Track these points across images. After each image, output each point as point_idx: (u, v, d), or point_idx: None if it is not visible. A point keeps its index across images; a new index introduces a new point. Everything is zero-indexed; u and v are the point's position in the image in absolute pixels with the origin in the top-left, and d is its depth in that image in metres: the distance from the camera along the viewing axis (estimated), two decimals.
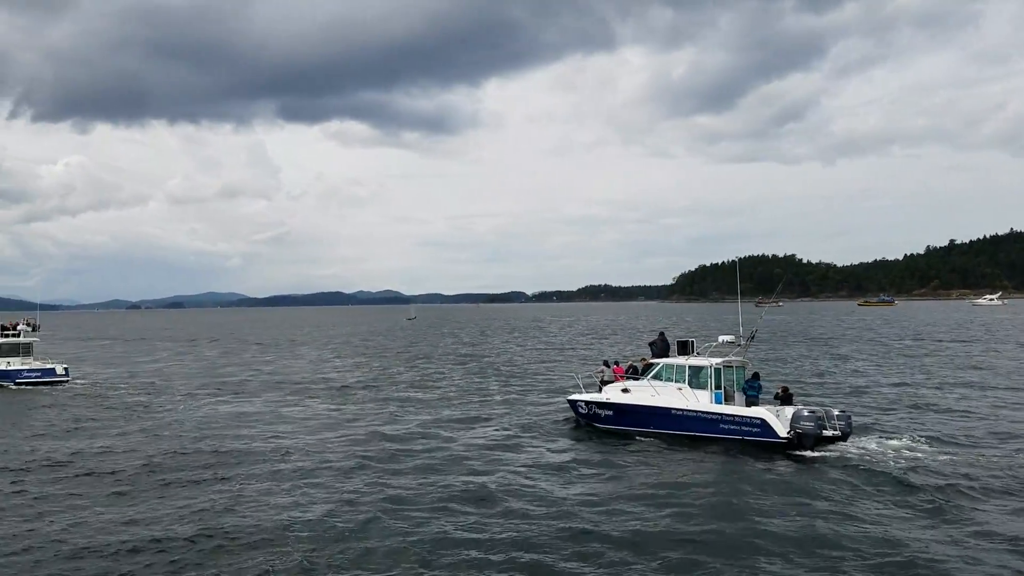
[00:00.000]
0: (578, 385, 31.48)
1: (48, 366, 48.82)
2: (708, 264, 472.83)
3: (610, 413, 28.75)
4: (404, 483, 21.44)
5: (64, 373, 48.59)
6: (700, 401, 26.64)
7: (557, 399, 37.17)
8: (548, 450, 25.80)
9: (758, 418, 25.24)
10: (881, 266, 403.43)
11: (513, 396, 39.05)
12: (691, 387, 26.98)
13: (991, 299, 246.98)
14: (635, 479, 21.83)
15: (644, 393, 27.92)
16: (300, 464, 23.94)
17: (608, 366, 31.16)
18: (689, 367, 27.25)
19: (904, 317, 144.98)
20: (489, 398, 38.45)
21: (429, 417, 32.50)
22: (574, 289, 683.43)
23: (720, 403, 26.55)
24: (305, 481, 21.79)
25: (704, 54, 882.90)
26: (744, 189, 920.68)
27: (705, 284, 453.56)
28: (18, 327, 49.76)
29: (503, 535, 16.98)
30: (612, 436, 27.63)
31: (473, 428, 29.88)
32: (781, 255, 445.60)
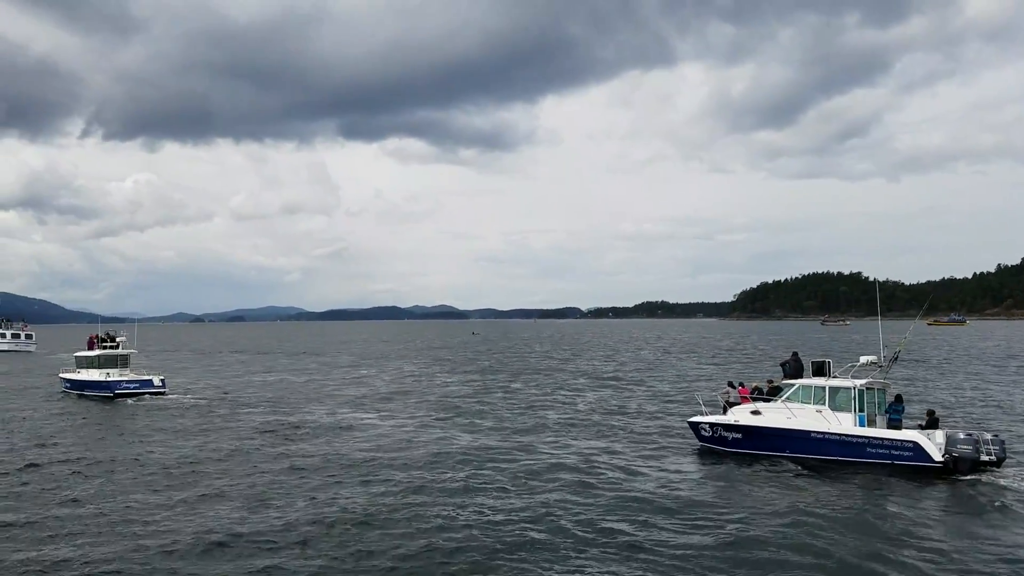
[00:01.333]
0: (699, 406, 30.26)
1: (145, 377, 49.42)
2: (770, 281, 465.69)
3: (739, 436, 27.49)
4: (531, 508, 20.61)
5: (161, 384, 49.08)
6: (842, 424, 25.28)
7: (664, 418, 36.05)
8: (673, 476, 24.48)
9: (910, 441, 23.82)
10: (950, 284, 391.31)
11: (627, 417, 37.78)
12: (831, 409, 25.65)
13: None
14: (776, 505, 20.68)
15: (779, 415, 26.61)
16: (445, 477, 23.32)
17: (733, 387, 29.95)
18: (829, 388, 25.89)
19: (987, 336, 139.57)
20: (605, 418, 37.12)
21: (552, 438, 31.64)
22: (630, 305, 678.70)
23: (863, 426, 25.19)
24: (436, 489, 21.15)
25: (764, 69, 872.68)
26: (805, 206, 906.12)
27: (768, 301, 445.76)
28: (117, 339, 50.55)
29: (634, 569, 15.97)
30: (741, 460, 26.39)
31: (592, 448, 28.91)
32: (847, 273, 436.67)
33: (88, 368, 49.85)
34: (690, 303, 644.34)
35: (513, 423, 35.57)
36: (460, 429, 33.94)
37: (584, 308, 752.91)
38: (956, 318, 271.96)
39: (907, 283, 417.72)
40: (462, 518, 19.51)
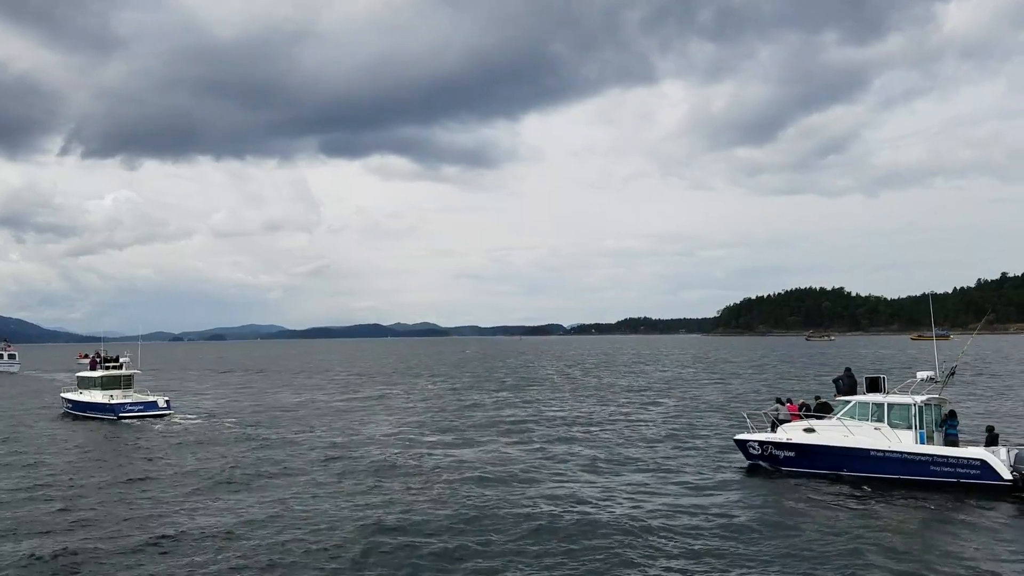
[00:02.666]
0: (746, 424, 29.41)
1: (150, 399, 47.90)
2: (754, 297, 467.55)
3: (791, 454, 26.63)
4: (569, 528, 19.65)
5: (166, 406, 47.59)
6: (902, 442, 24.47)
7: (710, 436, 35.19)
8: (726, 496, 23.67)
9: (978, 459, 23.05)
10: (931, 299, 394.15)
11: (666, 435, 36.86)
12: (890, 426, 24.85)
13: None
14: (840, 526, 19.97)
15: (834, 433, 25.78)
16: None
17: (781, 403, 29.09)
18: (888, 404, 25.11)
19: (979, 349, 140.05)
20: (643, 437, 36.22)
21: (586, 460, 30.65)
22: (613, 322, 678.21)
23: (923, 443, 24.41)
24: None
25: (744, 87, 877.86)
26: (785, 221, 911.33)
27: (751, 317, 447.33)
28: (120, 359, 49.06)
29: None
30: (796, 479, 25.56)
31: (634, 470, 27.98)
32: (829, 288, 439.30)
33: (90, 389, 48.30)
34: (672, 319, 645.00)
35: (550, 442, 34.59)
36: (512, 445, 32.92)
37: (567, 325, 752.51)
38: (941, 333, 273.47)
39: (889, 298, 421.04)
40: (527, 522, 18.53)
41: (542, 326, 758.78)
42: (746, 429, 29.09)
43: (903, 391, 25.58)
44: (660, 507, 22.13)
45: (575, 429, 39.05)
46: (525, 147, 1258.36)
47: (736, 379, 77.00)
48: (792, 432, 26.90)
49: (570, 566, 17.14)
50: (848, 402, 26.23)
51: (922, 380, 25.45)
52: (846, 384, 27.59)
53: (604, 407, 50.17)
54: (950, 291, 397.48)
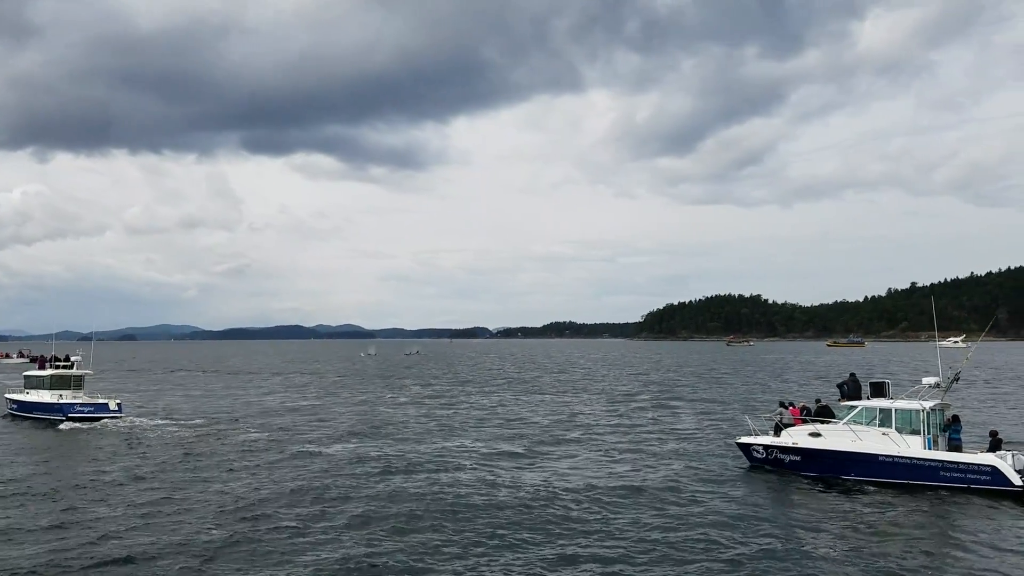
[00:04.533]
0: (747, 426, 29.61)
1: (101, 401, 45.47)
2: (676, 303, 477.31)
3: (796, 458, 26.91)
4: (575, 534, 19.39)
5: (117, 409, 45.23)
6: (911, 447, 24.94)
7: (702, 439, 35.30)
8: (733, 499, 23.64)
9: (988, 465, 23.62)
10: (845, 307, 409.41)
11: (661, 437, 36.87)
12: (898, 431, 25.29)
13: (955, 341, 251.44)
14: (853, 530, 20.22)
15: (842, 438, 26.09)
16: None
17: (785, 407, 29.38)
18: (896, 410, 25.57)
19: (908, 356, 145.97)
20: (639, 441, 36.00)
21: (590, 466, 30.33)
22: (539, 326, 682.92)
23: (930, 449, 24.94)
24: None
25: (668, 98, 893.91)
26: (706, 230, 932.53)
27: (674, 322, 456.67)
28: (72, 358, 46.50)
29: None
30: (802, 482, 25.81)
31: (637, 473, 27.81)
32: (747, 295, 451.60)
33: (38, 389, 45.63)
34: (597, 323, 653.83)
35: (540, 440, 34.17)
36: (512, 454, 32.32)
37: (493, 328, 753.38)
38: (855, 340, 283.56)
39: (804, 305, 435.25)
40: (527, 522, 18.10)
41: (468, 329, 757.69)
42: (747, 432, 29.32)
43: (910, 397, 26.10)
44: (666, 512, 21.96)
45: (572, 433, 38.80)
46: (454, 150, 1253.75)
47: (704, 383, 78.02)
48: (798, 436, 27.16)
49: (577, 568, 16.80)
50: (855, 407, 26.61)
51: (928, 386, 26.01)
52: (851, 389, 28.05)
53: (590, 408, 50.07)
54: (862, 300, 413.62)
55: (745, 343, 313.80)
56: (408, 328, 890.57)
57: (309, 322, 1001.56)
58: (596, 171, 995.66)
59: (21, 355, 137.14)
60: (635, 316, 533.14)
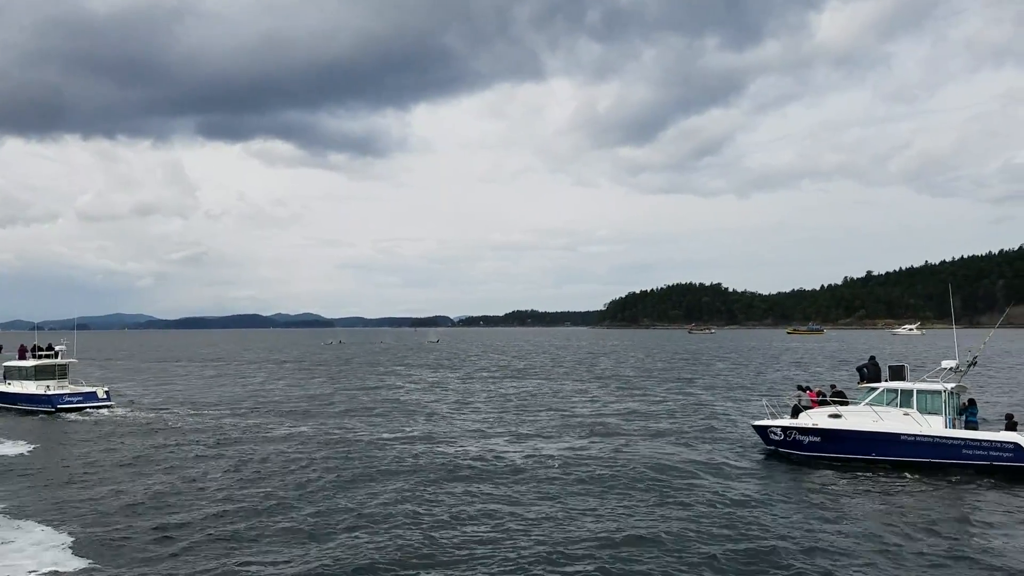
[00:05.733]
0: (763, 410, 29.88)
1: (89, 389, 44.44)
2: (638, 291, 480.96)
3: (816, 439, 27.18)
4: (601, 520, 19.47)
5: (106, 397, 44.30)
6: (932, 427, 25.38)
7: (708, 422, 35.54)
8: (753, 481, 23.87)
9: (1011, 443, 24.11)
10: (803, 296, 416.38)
11: (677, 421, 37.02)
12: (919, 412, 25.71)
13: (910, 328, 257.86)
14: (878, 510, 20.51)
15: (863, 418, 26.45)
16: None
17: (803, 390, 29.69)
18: (918, 391, 25.98)
19: (884, 344, 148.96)
20: (655, 422, 36.23)
21: (608, 444, 30.35)
22: (500, 314, 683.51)
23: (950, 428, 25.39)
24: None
25: (628, 88, 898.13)
26: (665, 220, 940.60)
27: (636, 311, 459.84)
28: (56, 347, 45.28)
29: None
30: (820, 464, 26.12)
31: (657, 451, 27.91)
32: (708, 284, 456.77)
33: (21, 380, 44.34)
34: (557, 312, 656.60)
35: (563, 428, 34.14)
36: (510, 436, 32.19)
37: (454, 317, 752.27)
38: (814, 327, 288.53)
39: (763, 293, 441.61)
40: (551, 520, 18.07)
41: (429, 318, 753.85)
42: (763, 416, 29.59)
43: (930, 379, 26.55)
44: (687, 496, 21.93)
45: (580, 420, 38.81)
46: (415, 138, 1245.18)
47: (705, 368, 78.64)
48: (818, 417, 27.44)
49: (597, 557, 16.58)
50: (875, 388, 26.97)
51: (947, 369, 26.46)
52: (871, 372, 28.43)
53: (598, 395, 50.13)
54: (819, 288, 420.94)
55: (707, 331, 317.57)
56: (369, 317, 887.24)
57: (267, 311, 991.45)
58: (557, 160, 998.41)
59: None
60: (595, 305, 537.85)
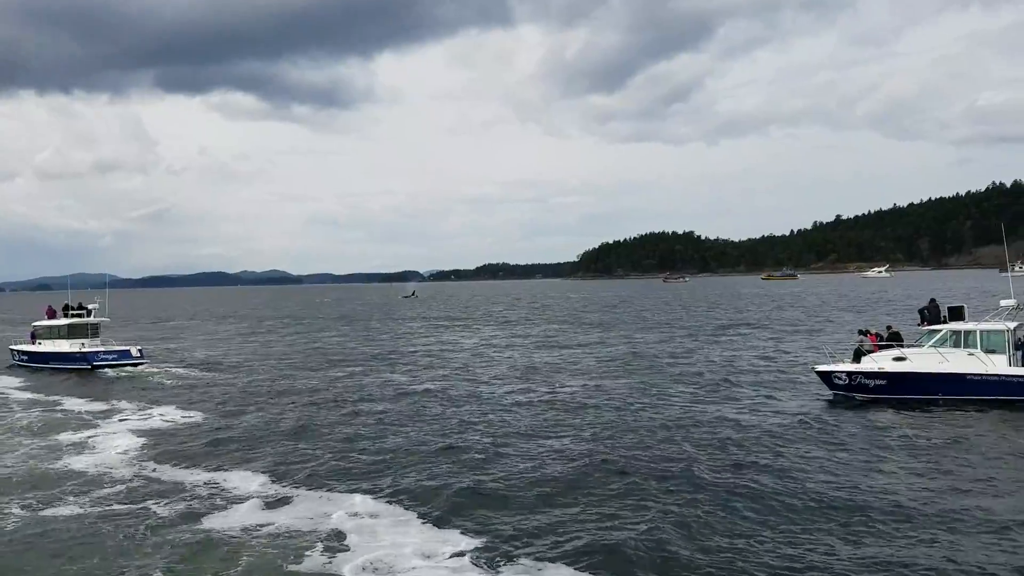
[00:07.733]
0: (824, 355, 30.76)
1: (123, 348, 44.38)
2: (611, 241, 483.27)
3: (882, 383, 28.01)
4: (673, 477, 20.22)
5: (139, 355, 44.27)
6: (997, 366, 26.36)
7: (763, 368, 36.35)
8: (828, 427, 24.11)
9: None
10: (774, 241, 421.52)
11: (731, 370, 37.39)
12: (984, 351, 26.63)
13: (879, 271, 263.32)
14: (954, 449, 20.86)
15: (928, 360, 27.31)
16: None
17: (864, 334, 30.56)
18: (981, 331, 26.90)
19: (855, 287, 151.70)
20: (719, 371, 36.54)
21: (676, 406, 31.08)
22: (471, 268, 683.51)
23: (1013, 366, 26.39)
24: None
25: (597, 34, 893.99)
26: (636, 168, 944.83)
27: (609, 261, 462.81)
28: (89, 306, 45.02)
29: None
30: (890, 405, 26.99)
31: (718, 410, 28.71)
32: (680, 232, 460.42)
33: (53, 339, 44.07)
34: (529, 264, 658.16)
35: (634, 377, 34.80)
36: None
37: (424, 272, 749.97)
38: (788, 272, 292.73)
39: (735, 240, 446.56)
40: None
41: (399, 273, 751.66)
42: (826, 360, 30.46)
43: (993, 319, 27.51)
44: (763, 441, 22.16)
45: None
46: (381, 87, 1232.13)
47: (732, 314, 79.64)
48: (882, 361, 28.29)
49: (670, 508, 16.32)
50: (937, 331, 27.84)
51: (1009, 309, 27.41)
52: (932, 314, 29.32)
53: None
54: (788, 233, 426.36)
55: (681, 279, 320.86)
56: (337, 273, 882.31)
57: (233, 268, 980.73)
58: (526, 109, 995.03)
59: None
60: (567, 256, 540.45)
